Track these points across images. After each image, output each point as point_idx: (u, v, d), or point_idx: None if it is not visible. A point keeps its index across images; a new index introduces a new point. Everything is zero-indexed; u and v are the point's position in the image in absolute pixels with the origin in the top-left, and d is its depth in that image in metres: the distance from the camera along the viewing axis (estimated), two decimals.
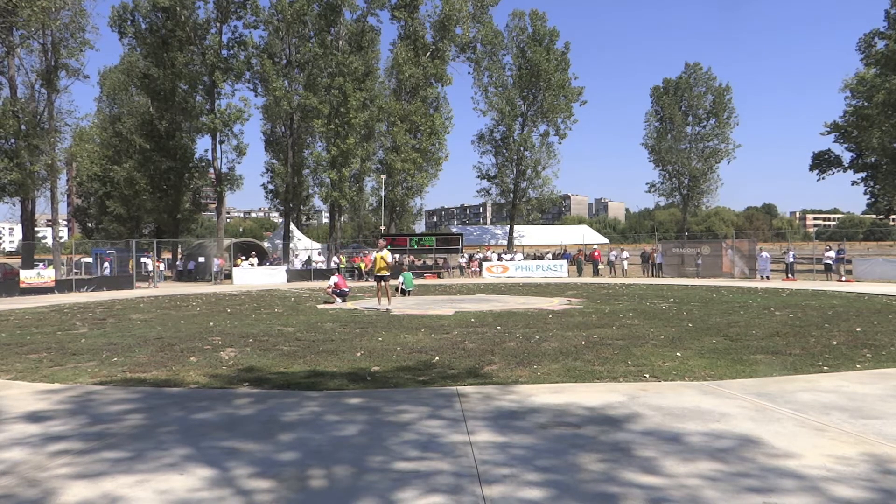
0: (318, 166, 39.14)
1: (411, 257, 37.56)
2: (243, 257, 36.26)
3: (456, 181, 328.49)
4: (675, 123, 55.03)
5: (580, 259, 37.84)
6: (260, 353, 8.62)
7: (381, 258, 15.71)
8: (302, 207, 49.96)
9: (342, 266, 34.72)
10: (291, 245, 41.92)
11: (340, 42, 37.89)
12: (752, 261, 29.73)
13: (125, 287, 28.93)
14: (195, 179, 43.51)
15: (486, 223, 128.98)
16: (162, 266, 39.65)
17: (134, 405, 5.75)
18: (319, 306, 16.87)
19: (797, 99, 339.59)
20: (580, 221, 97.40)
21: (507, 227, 50.14)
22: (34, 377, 7.26)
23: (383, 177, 40.50)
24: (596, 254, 38.39)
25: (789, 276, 28.19)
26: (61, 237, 59.86)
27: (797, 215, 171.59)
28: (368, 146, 40.37)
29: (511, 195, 47.01)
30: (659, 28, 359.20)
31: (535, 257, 42.95)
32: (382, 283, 15.91)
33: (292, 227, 43.68)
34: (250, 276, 32.88)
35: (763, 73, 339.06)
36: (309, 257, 41.36)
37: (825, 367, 7.14)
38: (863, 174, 45.26)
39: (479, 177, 47.50)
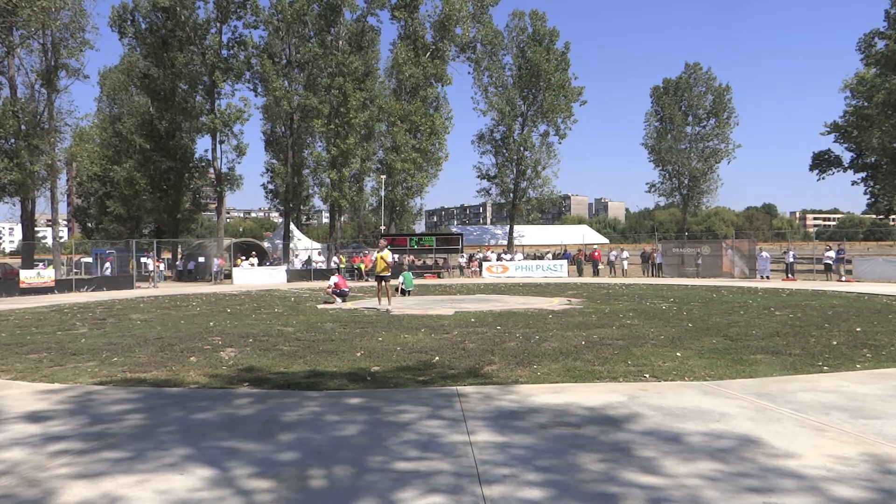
0: (318, 166, 39.14)
1: (411, 257, 37.56)
2: (243, 257, 36.25)
3: (456, 181, 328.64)
4: (675, 123, 55.02)
5: (580, 259, 37.84)
6: (260, 353, 8.62)
7: (382, 258, 15.71)
8: (302, 207, 49.95)
9: (342, 266, 34.71)
10: (291, 245, 41.92)
11: (340, 42, 37.89)
12: (752, 261, 29.73)
13: (125, 287, 28.93)
14: (195, 179, 43.52)
15: (486, 223, 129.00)
16: (162, 266, 39.65)
17: (134, 405, 5.75)
18: (319, 306, 16.87)
19: (797, 99, 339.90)
20: (580, 221, 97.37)
21: (507, 227, 50.11)
22: (34, 377, 7.26)
23: (383, 177, 40.50)
24: (596, 254, 38.39)
25: (789, 276, 28.19)
26: (61, 237, 59.87)
27: (797, 215, 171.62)
28: (368, 146, 40.37)
29: (511, 195, 47.01)
30: (659, 28, 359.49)
31: (535, 257, 42.96)
32: (383, 284, 15.91)
33: (292, 227, 43.68)
34: (250, 276, 32.88)
35: (763, 73, 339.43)
36: (309, 257, 41.36)
37: (825, 367, 7.14)
38: (863, 174, 45.25)
39: (479, 177, 47.52)
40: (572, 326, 11.25)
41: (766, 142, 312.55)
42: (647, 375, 6.80)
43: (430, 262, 39.30)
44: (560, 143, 54.38)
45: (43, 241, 62.79)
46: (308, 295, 22.16)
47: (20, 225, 33.58)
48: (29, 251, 32.14)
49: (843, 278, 26.48)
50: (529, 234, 52.10)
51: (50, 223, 35.56)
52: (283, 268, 35.42)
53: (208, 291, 25.25)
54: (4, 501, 3.48)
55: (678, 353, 8.14)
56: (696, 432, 4.63)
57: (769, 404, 5.44)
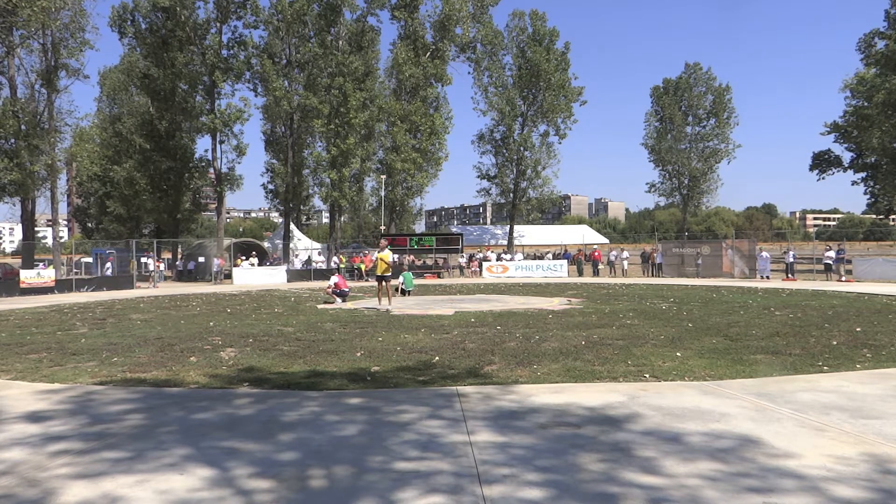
0: (318, 166, 39.14)
1: (411, 257, 37.56)
2: (243, 257, 36.25)
3: (456, 181, 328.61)
4: (675, 123, 55.02)
5: (580, 259, 37.84)
6: (260, 353, 8.62)
7: (382, 259, 15.71)
8: (302, 207, 49.94)
9: (342, 266, 34.71)
10: (291, 245, 41.93)
11: (340, 42, 37.89)
12: (752, 261, 29.73)
13: (125, 287, 28.93)
14: (195, 179, 43.52)
15: (486, 223, 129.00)
16: (162, 266, 39.66)
17: (134, 405, 5.75)
18: (319, 306, 16.87)
19: (797, 99, 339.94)
20: (580, 221, 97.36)
21: (507, 227, 50.10)
22: (34, 377, 7.26)
23: (383, 177, 40.50)
24: (596, 254, 38.39)
25: (789, 276, 28.19)
26: (61, 237, 59.86)
27: (797, 215, 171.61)
28: (368, 146, 40.37)
29: (511, 195, 47.00)
30: (659, 28, 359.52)
31: (535, 257, 42.95)
32: (383, 284, 15.91)
33: (292, 227, 43.68)
34: (250, 276, 32.89)
35: (763, 73, 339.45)
36: (309, 257, 41.37)
37: (825, 367, 7.14)
38: (863, 174, 45.24)
39: (479, 177, 47.50)
40: (572, 326, 11.25)
41: (766, 142, 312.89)
42: (647, 375, 6.80)
43: (430, 262, 39.31)
44: (560, 143, 54.45)
45: (43, 241, 62.83)
46: (308, 295, 22.16)
47: (20, 225, 33.58)
48: (29, 251, 32.15)
49: (843, 278, 26.48)
50: (529, 234, 52.09)
51: (50, 223, 35.56)
52: (283, 268, 35.42)
53: (208, 291, 25.25)
54: (4, 501, 3.48)
55: (678, 353, 8.14)
56: (696, 432, 4.63)
57: (769, 404, 5.44)
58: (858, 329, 10.33)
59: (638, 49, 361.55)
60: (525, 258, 41.39)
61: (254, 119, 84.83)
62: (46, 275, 26.49)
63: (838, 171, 46.98)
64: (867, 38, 39.74)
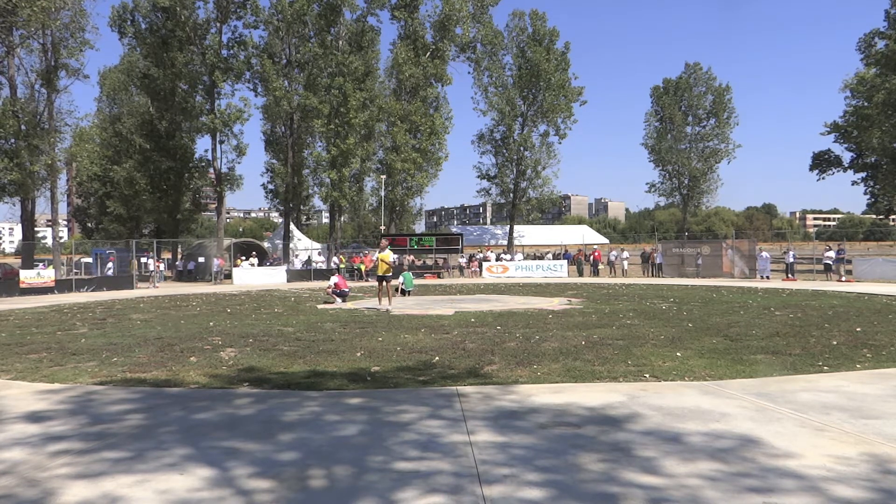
0: (318, 166, 39.14)
1: (411, 257, 37.56)
2: (243, 257, 36.24)
3: (456, 181, 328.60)
4: (675, 123, 55.03)
5: (580, 259, 37.84)
6: (260, 353, 8.62)
7: (383, 259, 15.70)
8: (302, 207, 49.93)
9: (342, 266, 34.71)
10: (291, 245, 41.92)
11: (340, 42, 37.89)
12: (752, 261, 29.73)
13: (125, 287, 28.93)
14: (195, 179, 43.51)
15: (486, 223, 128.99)
16: (162, 266, 39.64)
17: (134, 405, 5.75)
18: (319, 306, 16.87)
19: (797, 99, 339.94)
20: (580, 221, 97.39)
21: (507, 227, 50.10)
22: (34, 377, 7.26)
23: (383, 177, 40.50)
24: (596, 254, 38.40)
25: (789, 276, 28.19)
26: (61, 237, 59.85)
27: (797, 215, 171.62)
28: (368, 146, 40.36)
29: (511, 195, 47.00)
30: (659, 28, 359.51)
31: (535, 257, 42.95)
32: (384, 284, 15.91)
33: (292, 227, 43.67)
34: (250, 276, 32.88)
35: (763, 73, 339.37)
36: (309, 257, 41.36)
37: (825, 367, 7.14)
38: (863, 174, 45.22)
39: (479, 177, 47.49)
40: (572, 326, 11.25)
41: (766, 142, 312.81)
42: (647, 375, 6.80)
43: (430, 262, 39.30)
44: (560, 143, 54.40)
45: (43, 241, 62.78)
46: (308, 295, 22.16)
47: (20, 225, 33.58)
48: (29, 251, 32.15)
49: (843, 278, 26.49)
50: (529, 234, 52.10)
51: (50, 223, 35.55)
52: (283, 268, 35.42)
53: (208, 291, 25.25)
54: (4, 501, 3.48)
55: (678, 353, 8.14)
56: (697, 432, 4.63)
57: (769, 404, 5.44)
58: (858, 329, 10.33)
59: (638, 49, 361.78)
60: (525, 258, 41.39)
61: (254, 119, 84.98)
62: (46, 275, 26.49)
63: (838, 171, 46.98)
64: (867, 38, 39.74)
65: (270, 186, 45.53)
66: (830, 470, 3.79)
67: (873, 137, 36.65)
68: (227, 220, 65.50)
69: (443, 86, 42.62)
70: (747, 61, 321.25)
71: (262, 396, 6.07)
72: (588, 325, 11.37)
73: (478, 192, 53.72)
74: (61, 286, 26.20)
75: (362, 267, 34.84)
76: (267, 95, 37.16)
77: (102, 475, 3.87)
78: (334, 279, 18.82)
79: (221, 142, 36.87)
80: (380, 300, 16.00)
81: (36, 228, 34.19)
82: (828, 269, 27.41)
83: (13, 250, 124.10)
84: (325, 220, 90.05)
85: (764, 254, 29.09)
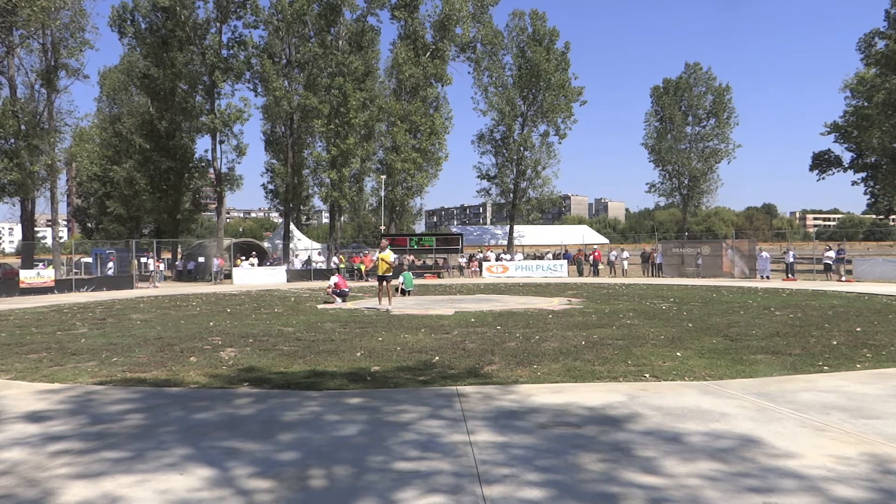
0: (318, 166, 39.14)
1: (411, 257, 37.56)
2: (243, 257, 36.24)
3: (456, 181, 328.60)
4: (675, 123, 55.03)
5: (580, 259, 37.84)
6: (260, 353, 8.62)
7: (384, 259, 15.70)
8: (302, 207, 49.93)
9: (342, 266, 34.72)
10: (291, 245, 41.92)
11: (340, 42, 37.88)
12: (752, 261, 29.73)
13: (125, 287, 28.93)
14: (195, 179, 43.51)
15: (486, 223, 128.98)
16: (162, 266, 39.65)
17: (134, 405, 5.75)
18: (319, 306, 16.87)
19: (797, 99, 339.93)
20: (580, 221, 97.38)
21: (507, 227, 50.10)
22: (34, 377, 7.26)
23: (383, 177, 40.50)
24: (596, 254, 38.41)
25: (789, 276, 28.19)
26: (61, 237, 59.84)
27: (797, 215, 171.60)
28: (368, 146, 40.36)
29: (511, 195, 46.99)
30: (659, 28, 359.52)
31: (535, 257, 42.95)
32: (384, 284, 15.91)
33: (292, 227, 43.67)
34: (250, 276, 32.89)
35: (763, 73, 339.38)
36: (309, 257, 41.37)
37: (825, 367, 7.14)
38: (863, 174, 45.23)
39: (479, 177, 47.48)
40: (572, 326, 11.25)
41: (766, 142, 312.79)
42: (648, 375, 6.80)
43: (430, 262, 39.31)
44: (560, 143, 54.41)
45: (43, 241, 62.76)
46: (308, 295, 22.16)
47: (20, 225, 33.58)
48: (29, 251, 32.14)
49: (843, 278, 26.49)
50: (529, 234, 52.10)
51: (50, 223, 35.55)
52: (283, 268, 35.43)
53: (208, 291, 25.25)
54: (4, 501, 3.48)
55: (678, 353, 8.14)
56: (697, 432, 4.63)
57: (769, 404, 5.44)
58: (858, 329, 10.33)
59: (638, 49, 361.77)
60: (525, 258, 41.39)
61: (254, 119, 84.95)
62: (46, 275, 26.49)
63: (838, 171, 46.98)
64: (867, 38, 39.73)
65: (270, 186, 45.56)
66: (831, 470, 3.79)
67: (873, 137, 36.65)
68: (227, 220, 65.50)
69: (443, 86, 42.66)
70: (747, 61, 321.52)
71: (262, 396, 6.07)
72: (588, 325, 11.37)
73: (478, 192, 53.75)
74: (61, 286, 26.20)
75: (362, 267, 34.85)
76: (267, 95, 37.16)
77: (102, 475, 3.87)
78: (334, 279, 18.82)
79: (221, 142, 36.89)
80: (380, 300, 15.99)
81: (36, 228, 34.19)
82: (828, 269, 27.41)
83: (13, 250, 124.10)
84: (325, 220, 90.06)
85: (764, 254, 29.09)
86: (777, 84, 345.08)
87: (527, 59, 44.44)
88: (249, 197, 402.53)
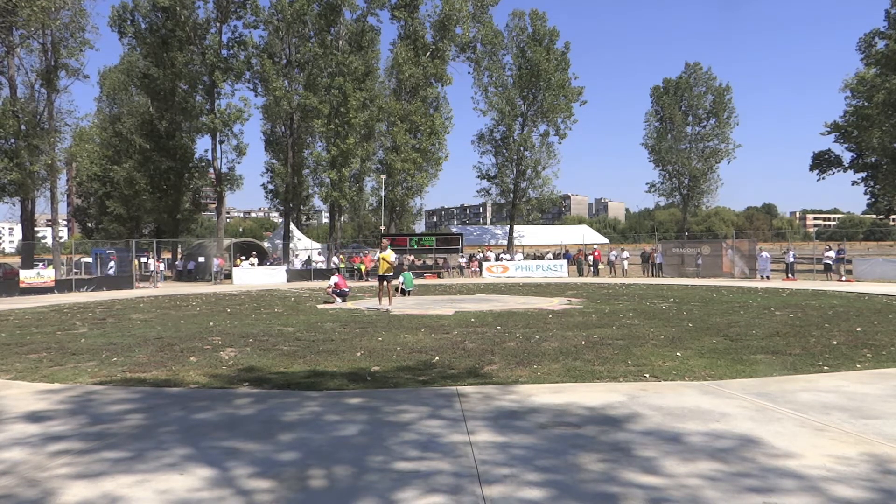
0: (318, 166, 39.14)
1: (411, 257, 37.56)
2: (243, 257, 36.25)
3: (456, 181, 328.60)
4: (675, 123, 55.03)
5: (580, 259, 37.85)
6: (260, 353, 8.62)
7: (385, 258, 15.71)
8: (302, 207, 49.93)
9: (342, 266, 34.72)
10: (291, 245, 41.92)
11: (340, 42, 37.88)
12: (752, 261, 29.73)
13: (125, 287, 28.93)
14: (195, 179, 43.51)
15: (486, 223, 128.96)
16: (162, 266, 39.66)
17: (134, 405, 5.75)
18: (319, 306, 16.87)
19: (797, 99, 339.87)
20: (580, 221, 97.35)
21: (507, 227, 50.11)
22: (34, 377, 7.26)
23: (383, 177, 40.50)
24: (596, 254, 38.42)
25: (789, 276, 28.19)
26: (61, 237, 59.82)
27: (797, 215, 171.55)
28: (368, 146, 40.36)
29: (511, 195, 47.00)
30: (659, 28, 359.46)
31: (535, 257, 42.95)
32: (384, 284, 15.91)
33: (292, 227, 43.67)
34: (250, 276, 32.89)
35: (763, 73, 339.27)
36: (309, 257, 41.37)
37: (825, 367, 7.14)
38: (863, 174, 45.21)
39: (479, 177, 47.50)
40: (572, 326, 11.25)
41: (766, 142, 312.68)
42: (647, 375, 6.80)
43: (430, 262, 39.31)
44: (560, 143, 54.43)
45: (43, 241, 62.75)
46: (308, 295, 22.16)
47: (20, 225, 33.58)
48: (29, 251, 32.14)
49: (843, 278, 26.49)
50: (529, 234, 52.11)
51: (50, 223, 35.55)
52: (283, 268, 35.42)
53: (208, 291, 25.25)
54: (4, 501, 3.48)
55: (678, 353, 8.14)
56: (697, 432, 4.63)
57: (769, 404, 5.44)
58: (858, 329, 10.33)
59: (638, 49, 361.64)
60: (525, 258, 41.39)
61: (254, 119, 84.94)
62: (46, 275, 26.49)
63: (838, 171, 46.96)
64: (867, 37, 39.73)
65: (270, 186, 45.55)
66: (830, 470, 3.79)
67: (873, 137, 36.65)
68: (227, 220, 65.49)
69: (443, 86, 42.68)
70: (747, 61, 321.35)
71: (262, 396, 6.07)
72: (588, 325, 11.37)
73: (478, 192, 53.74)
74: (61, 286, 26.20)
75: (362, 267, 34.86)
76: (267, 95, 37.16)
77: (102, 475, 3.87)
78: (334, 279, 18.82)
79: (221, 142, 36.89)
80: (380, 300, 16.00)
81: (36, 228, 34.19)
82: (828, 268, 27.41)
83: (13, 250, 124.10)
84: (325, 220, 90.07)
85: (764, 254, 29.09)
86: (777, 84, 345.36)
87: (527, 59, 44.44)
88: (249, 197, 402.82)
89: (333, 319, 13.18)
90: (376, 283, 17.22)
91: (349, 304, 17.12)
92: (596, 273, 36.16)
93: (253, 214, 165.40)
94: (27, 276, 25.72)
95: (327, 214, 59.27)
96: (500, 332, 10.61)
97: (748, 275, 29.61)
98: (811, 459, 3.99)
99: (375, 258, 16.48)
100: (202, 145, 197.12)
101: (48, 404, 5.83)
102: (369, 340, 9.73)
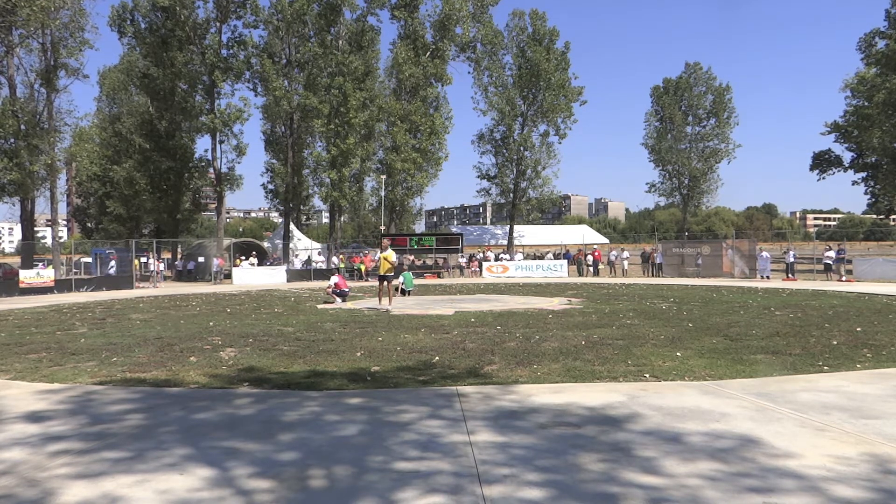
0: (318, 166, 39.14)
1: (411, 257, 37.56)
2: (243, 257, 36.24)
3: (456, 181, 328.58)
4: (675, 123, 55.02)
5: (580, 259, 37.85)
6: (260, 353, 8.62)
7: (386, 258, 15.71)
8: (302, 207, 49.93)
9: (342, 266, 34.71)
10: (291, 245, 41.92)
11: (340, 42, 37.88)
12: (752, 261, 29.73)
13: (125, 287, 28.92)
14: (195, 179, 43.52)
15: (486, 223, 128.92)
16: (162, 266, 39.65)
17: (134, 405, 5.75)
18: (319, 306, 16.87)
19: (797, 99, 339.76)
20: (580, 221, 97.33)
21: (507, 227, 50.10)
22: (34, 377, 7.25)
23: (383, 177, 40.50)
24: (596, 254, 38.42)
25: (789, 276, 28.19)
26: (61, 237, 59.80)
27: (797, 215, 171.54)
28: (368, 146, 40.36)
29: (511, 195, 46.99)
30: (659, 28, 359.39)
31: (535, 257, 42.95)
32: (384, 283, 15.91)
33: (292, 227, 43.67)
34: (250, 276, 32.88)
35: (763, 73, 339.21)
36: (309, 257, 41.37)
37: (825, 367, 7.14)
38: (863, 174, 45.22)
39: (479, 177, 47.48)
40: (572, 326, 11.24)
41: (766, 142, 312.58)
42: (647, 375, 6.80)
43: (430, 262, 39.31)
44: (560, 142, 54.44)
45: (42, 241, 62.73)
46: (308, 295, 22.16)
47: (20, 225, 33.58)
48: (28, 251, 32.14)
49: (844, 278, 26.49)
50: (529, 234, 52.10)
51: (50, 223, 35.54)
52: (283, 268, 35.42)
53: (208, 291, 25.24)
54: (4, 501, 3.48)
55: (678, 353, 8.14)
56: (697, 432, 4.63)
57: (769, 404, 5.44)
58: (859, 329, 10.33)
59: (638, 49, 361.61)
60: (525, 258, 41.40)
61: (254, 119, 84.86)
62: (46, 275, 26.48)
63: (838, 171, 46.97)
64: (867, 37, 39.73)
65: (270, 186, 45.55)
66: (830, 470, 3.79)
67: (873, 137, 36.65)
68: (227, 220, 65.49)
69: (443, 86, 42.67)
70: (747, 61, 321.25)
71: (262, 396, 6.07)
72: (588, 325, 11.37)
73: (478, 192, 53.72)
74: (61, 286, 26.19)
75: (362, 267, 34.85)
76: (267, 95, 37.16)
77: (102, 475, 3.87)
78: (334, 279, 18.82)
79: (221, 142, 36.89)
80: (380, 300, 15.99)
81: (36, 228, 34.20)
82: (828, 268, 27.41)
83: (13, 250, 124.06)
84: (325, 220, 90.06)
85: (764, 254, 29.09)
86: (777, 84, 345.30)
87: (527, 59, 44.43)
88: (249, 197, 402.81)
89: (333, 319, 13.18)
90: (376, 283, 17.22)
91: (349, 304, 17.12)
92: (596, 273, 36.16)
93: (253, 214, 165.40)
94: (27, 276, 25.71)
95: (327, 214, 59.28)
96: (500, 332, 10.61)
97: (748, 275, 29.61)
98: (811, 459, 3.99)
99: (376, 258, 16.47)
100: (202, 145, 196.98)
101: (48, 404, 5.83)
102: (369, 340, 9.73)
